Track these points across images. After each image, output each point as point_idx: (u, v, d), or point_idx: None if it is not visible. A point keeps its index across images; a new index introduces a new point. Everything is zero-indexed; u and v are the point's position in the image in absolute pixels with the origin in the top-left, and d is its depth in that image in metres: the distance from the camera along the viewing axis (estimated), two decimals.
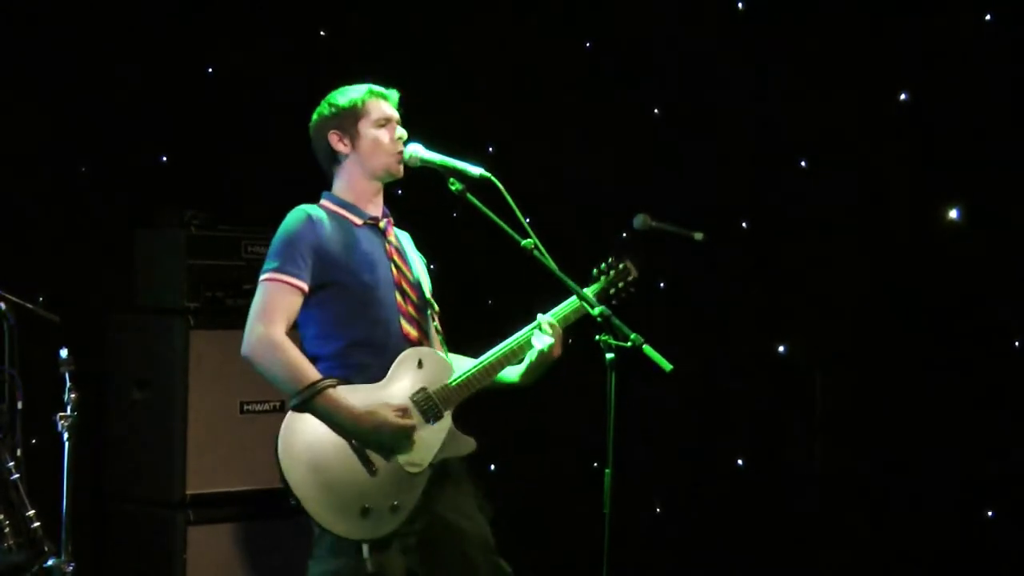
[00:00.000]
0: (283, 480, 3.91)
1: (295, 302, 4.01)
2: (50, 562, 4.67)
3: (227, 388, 5.71)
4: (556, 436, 6.04)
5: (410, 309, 4.15)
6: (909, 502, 5.31)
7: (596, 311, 3.89)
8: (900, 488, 5.33)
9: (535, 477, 6.09)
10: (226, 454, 5.70)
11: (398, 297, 4.13)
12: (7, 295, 4.94)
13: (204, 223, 5.82)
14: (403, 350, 4.08)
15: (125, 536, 5.84)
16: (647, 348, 3.79)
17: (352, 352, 4.04)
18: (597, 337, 3.87)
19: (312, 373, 3.94)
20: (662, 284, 5.92)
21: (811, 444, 5.11)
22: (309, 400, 3.91)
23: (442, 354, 4.17)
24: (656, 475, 5.86)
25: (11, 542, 4.70)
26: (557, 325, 4.18)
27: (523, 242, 4.02)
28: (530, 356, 4.16)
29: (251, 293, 4.05)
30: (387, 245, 4.20)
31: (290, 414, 3.94)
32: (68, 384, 4.73)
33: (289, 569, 5.84)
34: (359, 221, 4.17)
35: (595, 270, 4.36)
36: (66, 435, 4.70)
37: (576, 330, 4.23)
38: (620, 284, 4.35)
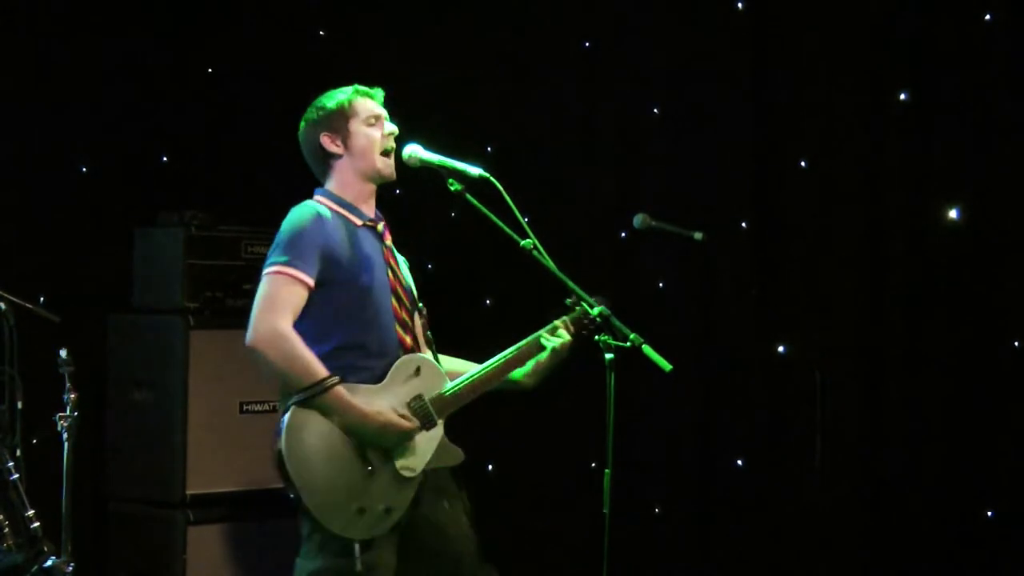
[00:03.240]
0: (284, 473, 3.88)
1: (302, 296, 3.96)
2: (50, 562, 4.66)
3: (227, 388, 5.72)
4: (556, 436, 6.03)
5: (404, 315, 4.14)
6: (909, 502, 5.30)
7: (595, 311, 3.89)
8: (900, 488, 5.33)
9: (534, 477, 6.08)
10: (226, 454, 5.70)
11: (393, 302, 4.12)
12: (7, 295, 4.94)
13: (204, 223, 5.82)
14: (396, 355, 4.07)
15: (125, 536, 5.84)
16: (647, 348, 3.80)
17: (344, 353, 4.00)
18: (597, 337, 3.87)
19: (321, 368, 3.90)
20: (662, 284, 5.92)
21: (811, 444, 5.09)
22: (319, 395, 3.88)
23: (437, 363, 4.16)
24: (656, 475, 5.86)
25: (11, 542, 4.70)
26: (571, 325, 4.16)
27: (522, 242, 4.03)
28: (540, 355, 4.14)
29: (251, 293, 4.03)
30: (384, 249, 4.18)
31: (295, 408, 3.89)
32: (68, 384, 4.73)
33: (289, 569, 5.86)
34: (359, 222, 4.15)
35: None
36: (66, 435, 4.70)
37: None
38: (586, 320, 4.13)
